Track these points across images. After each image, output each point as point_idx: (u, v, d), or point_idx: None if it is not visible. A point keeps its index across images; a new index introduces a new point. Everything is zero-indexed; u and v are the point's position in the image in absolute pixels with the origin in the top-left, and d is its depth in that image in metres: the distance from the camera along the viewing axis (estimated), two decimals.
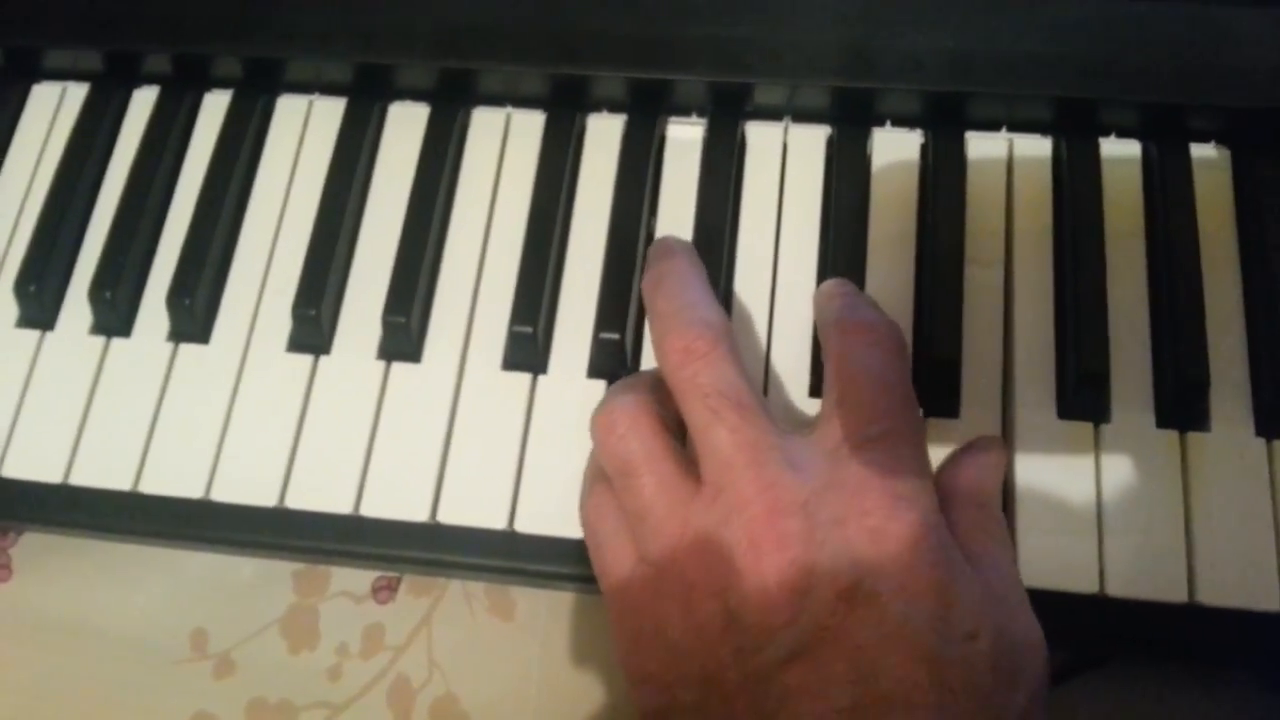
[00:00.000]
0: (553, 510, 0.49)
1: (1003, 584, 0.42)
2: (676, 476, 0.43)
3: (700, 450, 0.43)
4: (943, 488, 0.44)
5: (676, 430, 0.45)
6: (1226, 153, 0.53)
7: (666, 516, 0.42)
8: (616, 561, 0.44)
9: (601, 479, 0.46)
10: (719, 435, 0.42)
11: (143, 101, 0.59)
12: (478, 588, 0.55)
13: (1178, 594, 0.45)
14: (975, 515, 0.44)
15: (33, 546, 0.58)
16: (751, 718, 0.39)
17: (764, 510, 0.40)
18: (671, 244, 0.51)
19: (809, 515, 0.40)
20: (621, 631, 0.43)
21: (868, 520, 0.40)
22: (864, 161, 0.54)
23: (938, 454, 0.47)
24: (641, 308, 0.51)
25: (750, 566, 0.39)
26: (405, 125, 0.57)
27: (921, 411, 0.45)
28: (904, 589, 0.39)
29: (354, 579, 0.56)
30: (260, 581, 0.57)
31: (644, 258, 0.53)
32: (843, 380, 0.44)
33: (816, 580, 0.39)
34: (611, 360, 0.51)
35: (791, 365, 0.51)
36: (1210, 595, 0.45)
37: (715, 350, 0.43)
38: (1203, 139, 0.53)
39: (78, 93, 0.60)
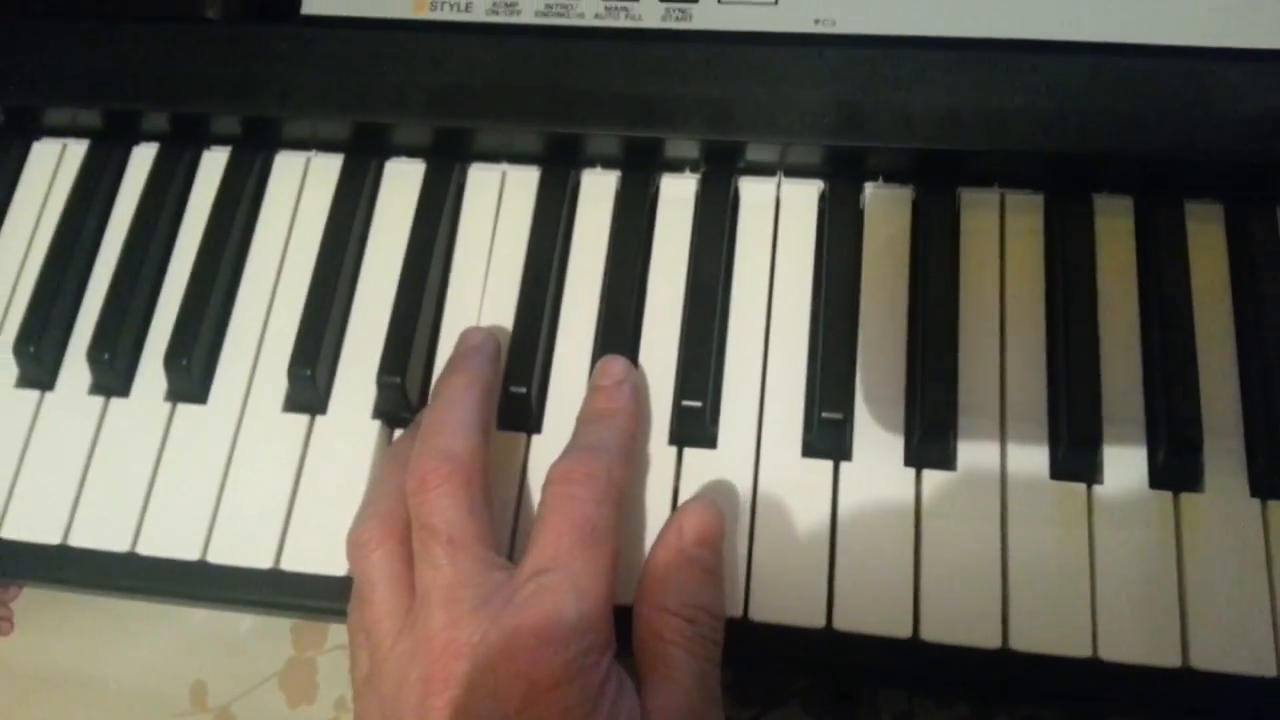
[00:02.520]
0: None
1: (669, 713, 0.43)
2: (403, 602, 0.45)
3: (415, 579, 0.45)
4: (643, 590, 0.46)
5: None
6: (1220, 208, 0.52)
7: (381, 640, 0.44)
8: (355, 672, 0.46)
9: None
10: (424, 569, 0.44)
11: (141, 159, 0.60)
12: None
13: (1171, 658, 0.45)
14: (649, 620, 0.45)
15: (35, 600, 0.59)
16: None
17: (440, 648, 0.42)
18: (465, 353, 0.51)
19: (475, 658, 0.41)
20: None
21: (514, 664, 0.41)
22: (856, 216, 0.54)
23: (941, 504, 0.48)
24: (634, 362, 0.52)
25: (419, 702, 0.41)
26: (401, 182, 0.58)
27: (608, 552, 0.44)
28: None
29: None
30: (259, 635, 0.57)
31: (639, 314, 0.53)
32: (536, 520, 0.45)
33: None
34: None
35: (785, 418, 0.51)
36: (1204, 660, 0.45)
37: (445, 485, 0.45)
38: (1196, 194, 0.53)
39: (77, 150, 0.61)
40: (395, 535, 0.46)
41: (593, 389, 0.50)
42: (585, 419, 0.50)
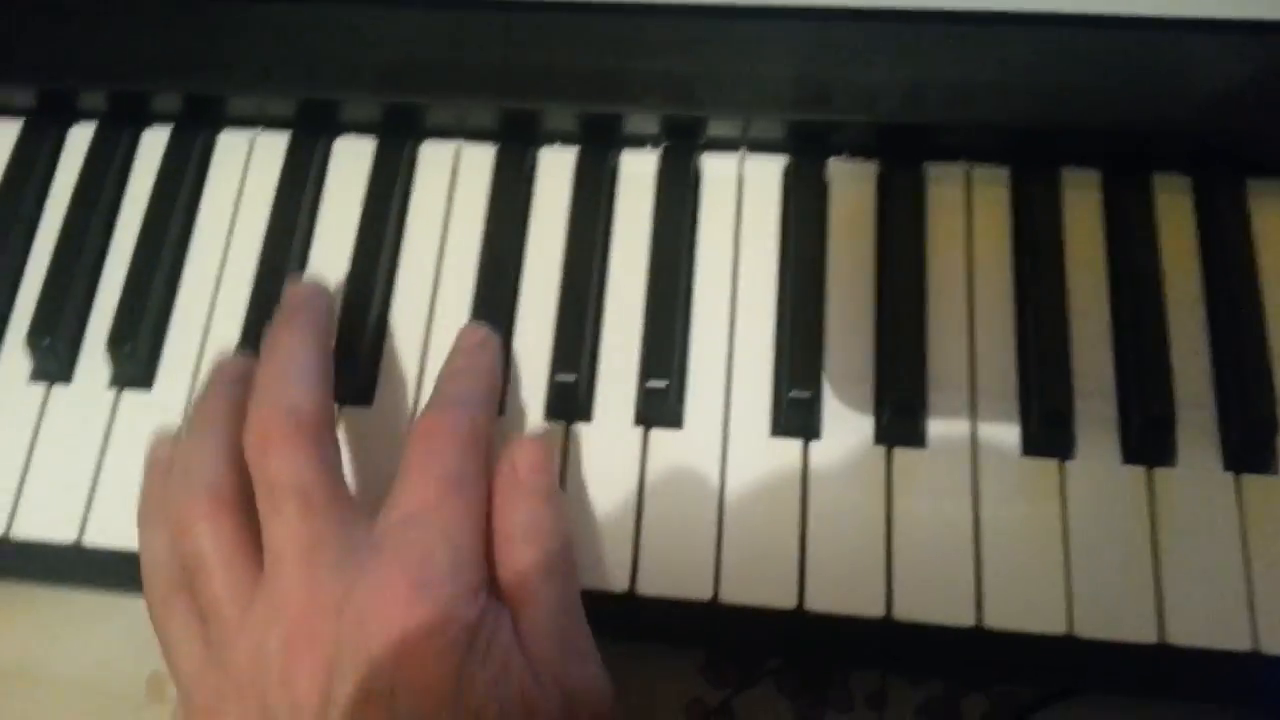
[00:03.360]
0: None
1: (538, 640, 0.42)
2: (247, 575, 0.42)
3: (264, 543, 0.42)
4: (493, 530, 0.44)
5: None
6: (1188, 180, 0.52)
7: (230, 615, 0.42)
8: (185, 661, 0.43)
9: (167, 573, 0.45)
10: (276, 530, 0.42)
11: (79, 139, 0.58)
12: None
13: (1147, 634, 0.45)
14: (502, 553, 0.44)
15: None
16: None
17: (300, 610, 0.40)
18: (297, 301, 0.49)
19: (342, 614, 0.40)
20: None
21: (387, 614, 0.39)
22: (821, 191, 0.53)
23: (907, 487, 0.47)
24: (596, 343, 0.51)
25: (284, 668, 0.39)
26: (351, 159, 0.56)
27: (474, 502, 0.43)
28: (413, 683, 0.39)
29: None
30: None
31: (598, 294, 0.52)
32: (398, 474, 0.44)
33: (339, 681, 0.39)
34: (569, 402, 0.50)
35: (753, 397, 0.50)
36: (1180, 635, 0.45)
37: (290, 440, 0.42)
38: (1164, 166, 0.52)
39: (10, 130, 0.58)
40: (229, 505, 0.43)
41: (453, 351, 0.49)
42: (445, 375, 0.48)
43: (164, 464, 0.47)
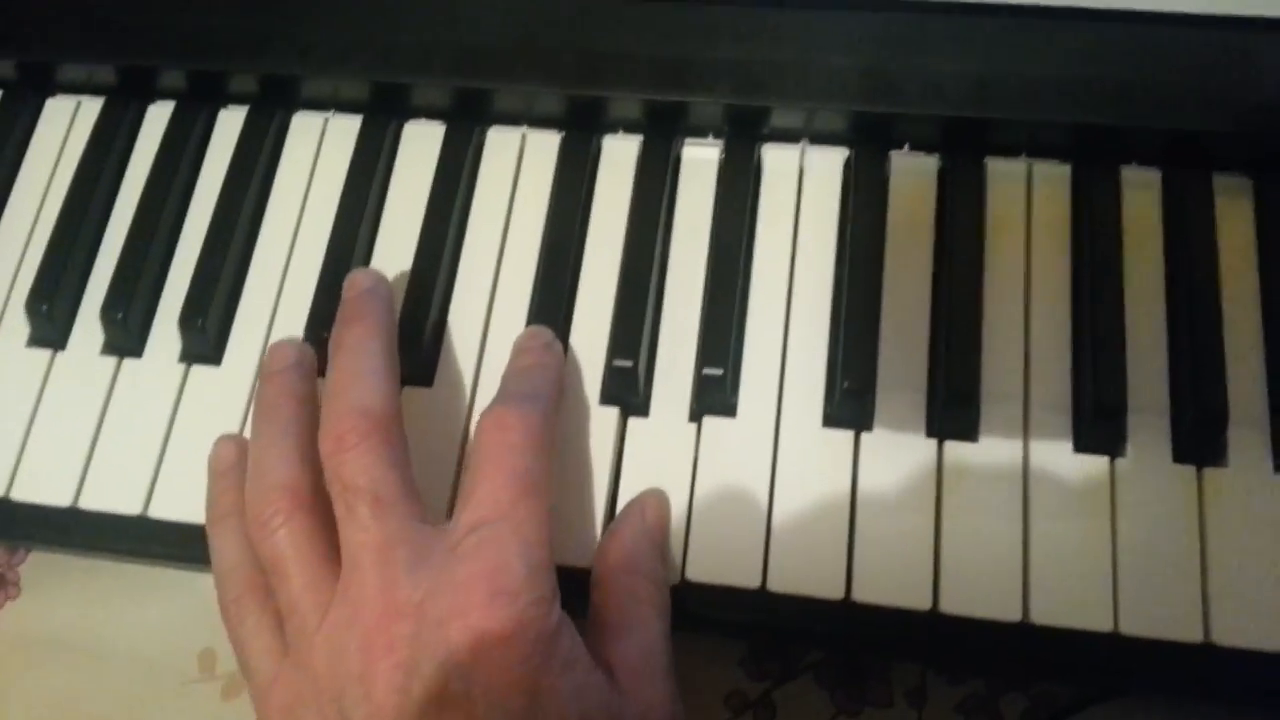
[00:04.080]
0: None
1: (640, 658, 0.44)
2: (324, 574, 0.43)
3: (341, 544, 0.43)
4: (597, 557, 0.47)
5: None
6: (1249, 181, 0.52)
7: (308, 614, 0.42)
8: (261, 660, 0.44)
9: (242, 573, 0.46)
10: (351, 532, 0.42)
11: (157, 117, 0.59)
12: None
13: (1193, 633, 0.45)
14: (625, 582, 0.46)
15: (42, 565, 0.58)
16: None
17: (379, 612, 0.41)
18: (358, 297, 0.50)
19: (421, 616, 0.40)
20: None
21: (466, 619, 0.40)
22: (882, 184, 0.53)
23: (958, 481, 0.47)
24: (655, 331, 0.51)
25: (362, 670, 0.40)
26: (421, 143, 0.57)
27: (545, 502, 0.44)
28: (492, 688, 0.39)
29: None
30: None
31: (659, 280, 0.53)
32: (467, 470, 0.44)
33: (417, 683, 0.39)
34: (627, 387, 0.51)
35: (806, 388, 0.50)
36: (1225, 635, 0.45)
37: (365, 442, 0.43)
38: (1225, 167, 0.52)
39: (92, 107, 0.60)
40: (305, 504, 0.44)
41: (519, 350, 0.50)
42: (512, 374, 0.49)
43: (229, 466, 0.48)
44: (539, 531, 0.42)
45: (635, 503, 0.48)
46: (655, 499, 0.48)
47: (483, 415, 0.45)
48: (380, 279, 0.51)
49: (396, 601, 0.41)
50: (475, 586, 0.40)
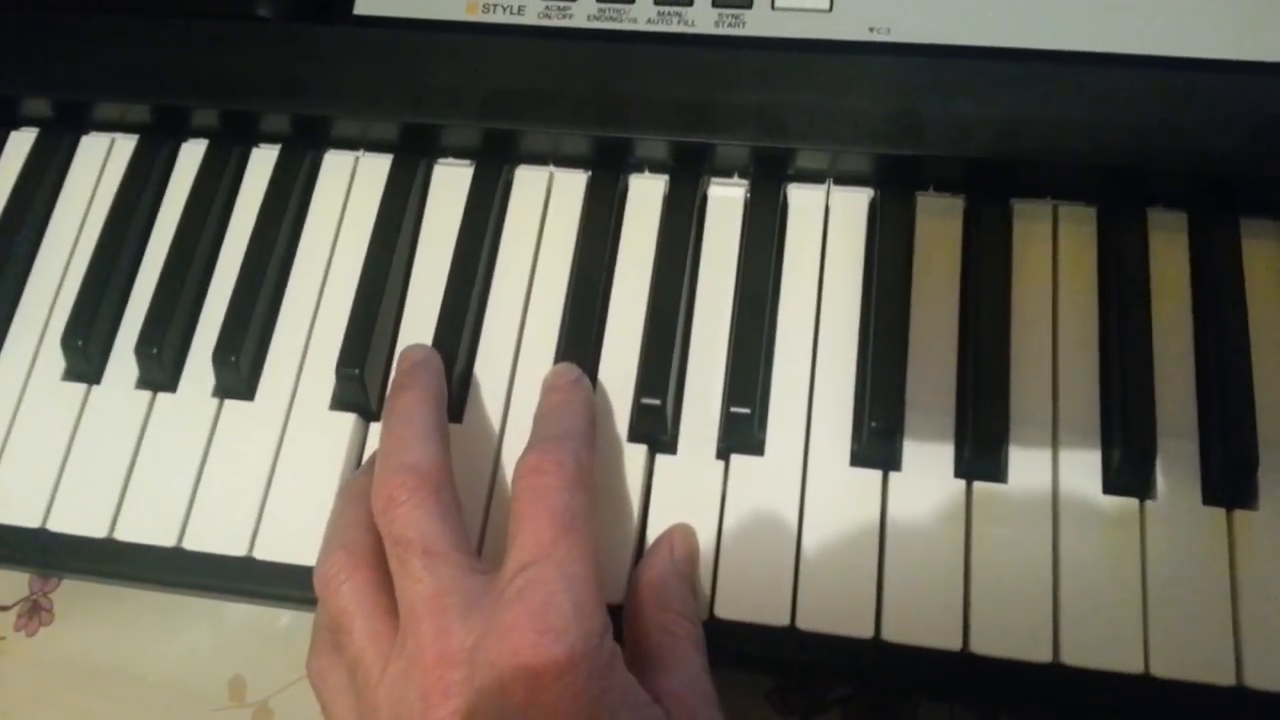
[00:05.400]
0: None
1: (688, 691, 0.44)
2: (386, 627, 0.44)
3: (397, 598, 0.44)
4: (628, 593, 0.48)
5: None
6: (1276, 224, 0.52)
7: (369, 670, 0.43)
8: (339, 715, 0.45)
9: (326, 634, 0.47)
10: (405, 584, 0.44)
11: (190, 155, 0.60)
12: None
13: (1225, 677, 0.45)
14: (660, 619, 0.46)
15: (75, 591, 0.59)
16: None
17: (434, 660, 0.41)
18: (410, 369, 0.51)
19: (473, 661, 0.41)
20: None
21: (516, 659, 0.40)
22: (908, 225, 0.54)
23: (991, 517, 0.48)
24: (683, 369, 0.52)
25: (421, 717, 0.41)
26: (450, 183, 0.58)
27: (588, 536, 0.44)
28: None
29: None
30: (298, 630, 0.57)
31: (687, 318, 0.53)
32: (511, 516, 0.45)
33: None
34: (655, 425, 0.51)
35: (834, 427, 0.51)
36: (1258, 678, 0.45)
37: (414, 498, 0.45)
38: (1253, 211, 0.52)
39: (126, 145, 0.61)
40: (366, 563, 0.45)
41: (549, 389, 0.51)
42: (544, 414, 0.50)
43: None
44: (584, 567, 0.43)
45: (663, 538, 0.49)
46: (682, 533, 0.49)
47: (519, 462, 0.46)
48: (431, 353, 0.52)
49: (450, 649, 0.41)
50: (523, 625, 0.41)
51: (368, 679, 0.43)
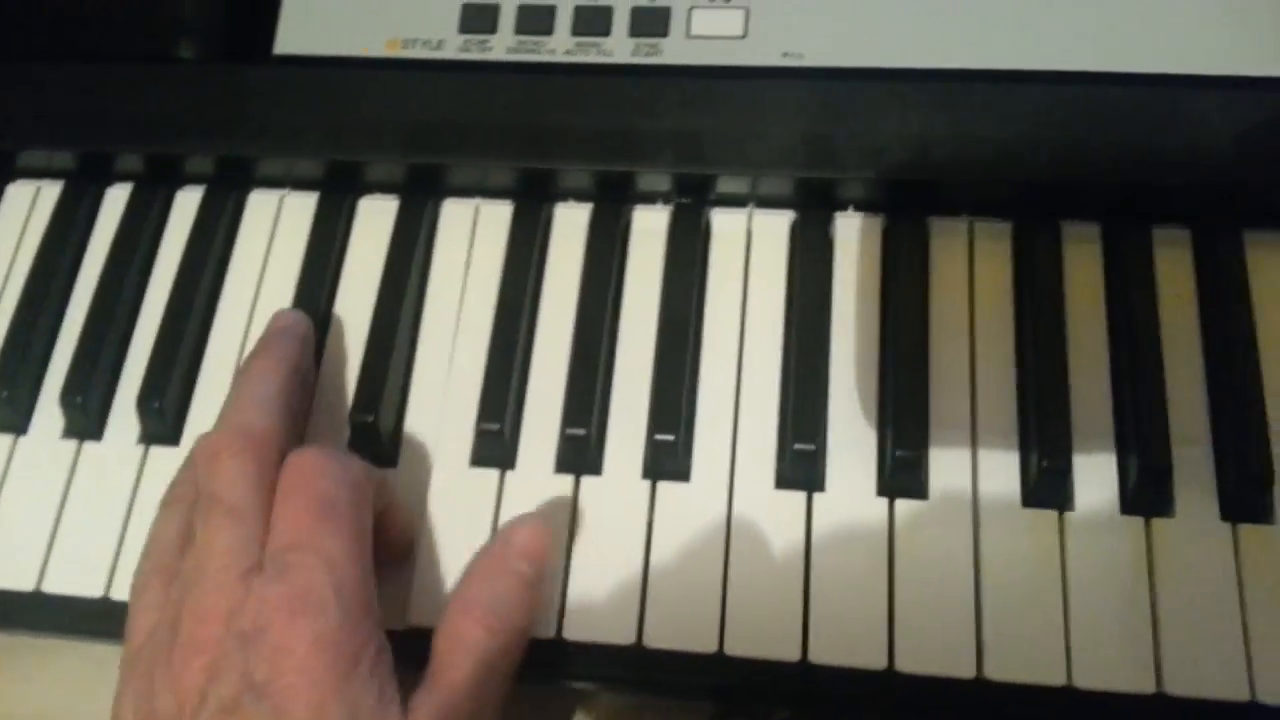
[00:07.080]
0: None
1: (433, 713, 0.43)
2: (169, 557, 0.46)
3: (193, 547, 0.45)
4: (459, 593, 0.47)
5: None
6: (1188, 233, 0.53)
7: (155, 596, 0.45)
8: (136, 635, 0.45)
9: (165, 554, 0.47)
10: (199, 535, 0.45)
11: (116, 199, 0.60)
12: None
13: (1145, 684, 0.45)
14: (455, 624, 0.45)
15: (17, 643, 0.58)
16: None
17: (197, 614, 0.43)
18: (274, 335, 0.53)
19: (230, 624, 0.42)
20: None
21: (264, 636, 0.41)
22: (827, 246, 0.54)
23: (914, 533, 0.48)
24: (606, 397, 0.52)
25: (176, 664, 0.42)
26: (375, 217, 0.58)
27: (352, 525, 0.45)
28: (279, 706, 0.40)
29: None
30: None
31: (610, 345, 0.53)
32: (277, 498, 0.45)
33: (214, 687, 0.41)
34: (579, 455, 0.51)
35: (758, 450, 0.51)
36: (1178, 685, 0.45)
37: (237, 458, 0.46)
38: (1164, 221, 0.53)
39: (51, 192, 0.61)
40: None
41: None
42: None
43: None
44: (345, 555, 0.44)
45: (501, 531, 0.48)
46: (528, 527, 0.48)
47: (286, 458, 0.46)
48: (299, 319, 0.54)
49: (215, 607, 0.42)
50: (277, 606, 0.42)
51: (140, 613, 0.45)
